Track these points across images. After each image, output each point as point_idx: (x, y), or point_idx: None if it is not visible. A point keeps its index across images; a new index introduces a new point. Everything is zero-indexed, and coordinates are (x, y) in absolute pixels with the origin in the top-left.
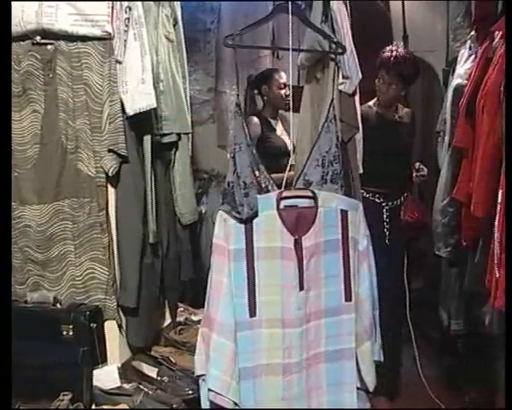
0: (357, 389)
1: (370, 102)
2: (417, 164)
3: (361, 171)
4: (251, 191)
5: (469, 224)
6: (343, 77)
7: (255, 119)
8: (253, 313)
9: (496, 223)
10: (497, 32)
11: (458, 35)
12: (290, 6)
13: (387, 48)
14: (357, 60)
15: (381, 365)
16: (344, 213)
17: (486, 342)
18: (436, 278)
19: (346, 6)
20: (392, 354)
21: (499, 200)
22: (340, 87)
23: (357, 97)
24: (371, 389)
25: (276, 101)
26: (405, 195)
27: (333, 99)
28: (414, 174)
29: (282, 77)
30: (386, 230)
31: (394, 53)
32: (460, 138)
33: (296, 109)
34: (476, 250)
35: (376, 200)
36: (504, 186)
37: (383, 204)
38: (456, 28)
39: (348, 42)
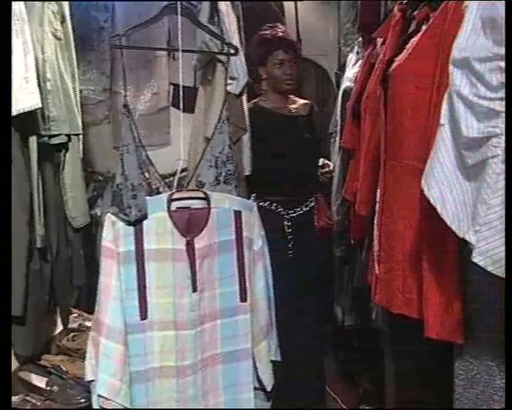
0: (255, 388)
1: (256, 100)
2: (321, 160)
3: (247, 173)
4: (139, 193)
5: (357, 223)
6: (230, 78)
7: None
8: (144, 315)
9: (375, 221)
10: (378, 39)
11: (348, 40)
12: (179, 7)
13: (266, 31)
14: (244, 61)
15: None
16: (237, 214)
17: (375, 335)
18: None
19: (235, 8)
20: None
21: (378, 199)
22: (228, 88)
23: (244, 98)
24: (269, 388)
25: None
26: (313, 199)
27: (225, 100)
28: (319, 172)
29: None
30: (288, 243)
31: (279, 29)
32: (347, 139)
33: (190, 110)
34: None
35: (274, 209)
36: (383, 185)
37: (282, 213)
38: (347, 34)
39: (235, 43)
